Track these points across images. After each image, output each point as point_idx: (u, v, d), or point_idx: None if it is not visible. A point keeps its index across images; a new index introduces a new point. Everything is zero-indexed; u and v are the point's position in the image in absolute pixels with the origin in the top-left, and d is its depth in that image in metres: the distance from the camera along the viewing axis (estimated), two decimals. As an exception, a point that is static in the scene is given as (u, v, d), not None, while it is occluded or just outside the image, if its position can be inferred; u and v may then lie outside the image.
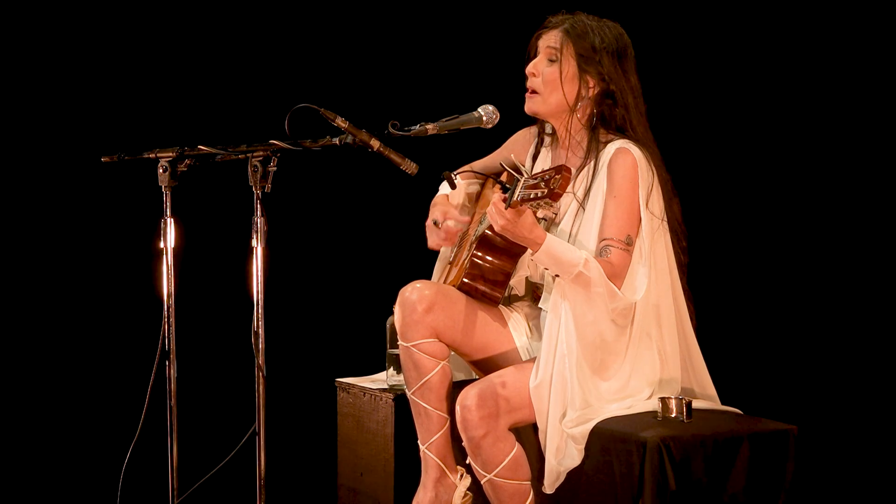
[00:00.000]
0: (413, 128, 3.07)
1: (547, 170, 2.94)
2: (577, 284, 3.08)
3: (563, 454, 3.10)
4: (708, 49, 4.33)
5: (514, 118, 3.42)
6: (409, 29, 4.75)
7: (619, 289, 3.11)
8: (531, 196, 2.91)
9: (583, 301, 3.10)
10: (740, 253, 4.34)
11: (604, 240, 3.15)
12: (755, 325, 4.32)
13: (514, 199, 2.94)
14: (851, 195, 4.20)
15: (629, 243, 3.15)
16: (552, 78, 3.26)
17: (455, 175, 3.28)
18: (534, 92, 3.28)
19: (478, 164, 3.60)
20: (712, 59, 4.33)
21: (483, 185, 3.62)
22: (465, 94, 3.53)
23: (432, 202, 3.56)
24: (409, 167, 2.97)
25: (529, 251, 3.12)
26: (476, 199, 3.62)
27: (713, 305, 3.61)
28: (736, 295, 4.33)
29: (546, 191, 2.88)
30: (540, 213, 3.03)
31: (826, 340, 4.22)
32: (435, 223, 3.48)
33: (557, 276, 3.10)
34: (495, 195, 3.06)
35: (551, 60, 3.26)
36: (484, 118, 3.20)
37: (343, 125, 2.93)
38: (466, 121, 3.19)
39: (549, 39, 3.27)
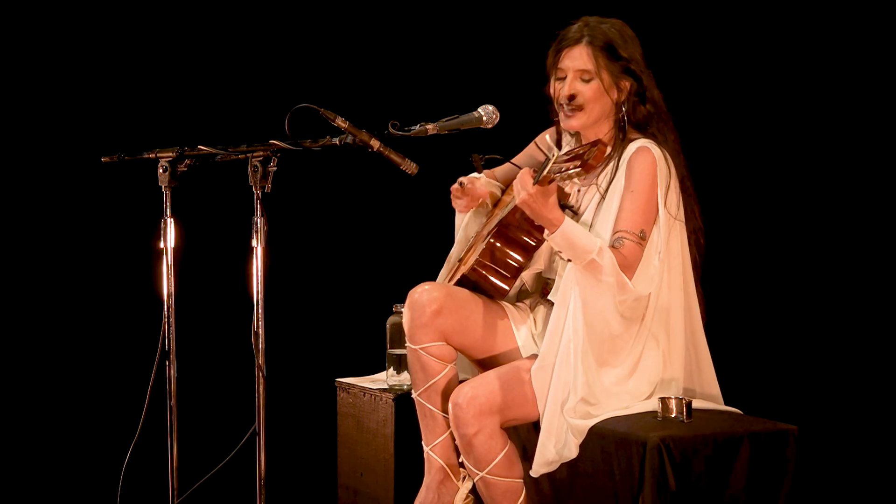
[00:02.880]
0: (413, 128, 3.07)
1: (582, 145, 2.97)
2: (589, 271, 3.08)
3: (562, 443, 3.10)
4: (721, 49, 4.33)
5: (515, 118, 3.41)
6: (409, 29, 4.75)
7: (632, 280, 3.12)
8: (563, 170, 2.94)
9: (592, 288, 3.10)
10: (740, 253, 4.34)
11: (617, 231, 3.15)
12: (756, 325, 4.32)
13: (544, 174, 2.96)
14: (851, 197, 4.20)
15: (643, 237, 3.15)
16: (593, 95, 3.24)
17: (482, 159, 3.28)
18: (578, 109, 3.25)
19: (500, 170, 3.60)
20: (725, 59, 4.33)
21: (504, 191, 3.62)
22: (465, 94, 3.53)
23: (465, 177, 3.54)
24: (409, 167, 2.97)
25: (546, 234, 3.11)
26: (496, 204, 3.60)
27: (713, 305, 3.61)
28: (736, 295, 4.32)
29: (580, 162, 2.93)
30: (568, 188, 3.06)
31: (826, 340, 4.22)
32: (461, 184, 3.46)
33: (570, 260, 3.10)
34: (524, 169, 3.07)
35: (585, 80, 3.25)
36: (484, 118, 3.20)
37: (343, 125, 2.93)
38: (466, 121, 3.19)
39: (577, 60, 3.24)
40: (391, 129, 3.00)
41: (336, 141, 2.97)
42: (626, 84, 3.25)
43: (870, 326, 4.17)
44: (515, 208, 3.22)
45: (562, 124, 3.33)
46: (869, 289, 4.18)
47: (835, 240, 4.22)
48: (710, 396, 3.30)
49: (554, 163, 2.96)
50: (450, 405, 3.18)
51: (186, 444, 3.18)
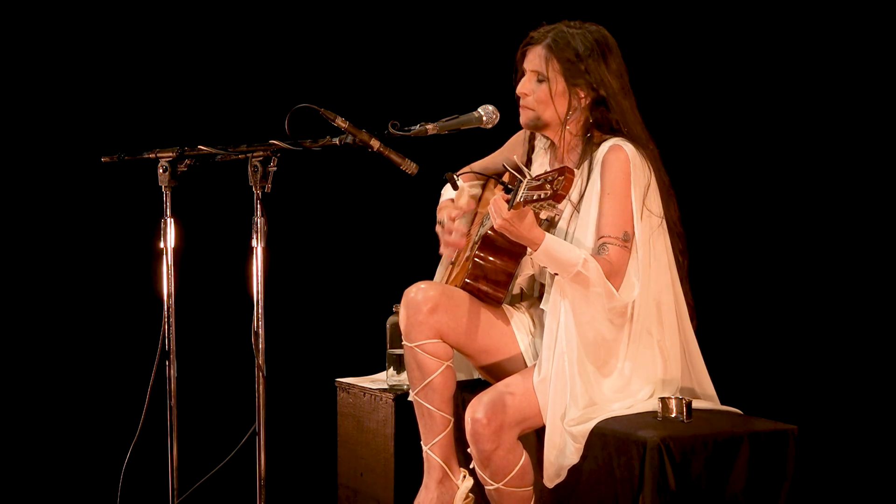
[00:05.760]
0: (413, 128, 3.07)
1: (550, 171, 2.94)
2: (576, 284, 3.09)
3: (563, 452, 3.10)
4: (704, 47, 4.33)
5: (515, 118, 3.42)
6: (408, 29, 4.75)
7: (620, 286, 3.12)
8: (534, 197, 2.91)
9: (581, 300, 3.10)
10: (740, 253, 4.34)
11: (601, 237, 3.15)
12: (755, 324, 4.32)
13: (517, 199, 2.95)
14: (850, 195, 4.20)
15: (626, 240, 3.15)
16: (543, 97, 3.25)
17: (457, 176, 3.28)
18: (528, 108, 3.27)
19: (478, 165, 3.60)
20: (709, 58, 4.33)
21: (484, 187, 3.62)
22: (465, 94, 3.53)
23: (438, 207, 3.57)
24: (409, 167, 2.97)
25: (529, 253, 3.12)
26: (478, 202, 3.62)
27: (713, 305, 3.61)
28: (736, 295, 4.32)
29: (550, 192, 2.89)
30: (543, 215, 3.04)
31: (826, 340, 4.22)
32: (441, 224, 3.50)
33: (557, 274, 3.10)
34: (497, 194, 3.07)
35: (539, 81, 3.26)
36: (484, 118, 3.20)
37: (343, 125, 2.93)
38: (466, 121, 3.19)
39: (533, 60, 3.26)
40: (391, 129, 2.99)
41: (336, 141, 2.98)
42: (583, 92, 3.24)
43: (869, 326, 4.17)
44: None
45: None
46: (868, 289, 4.18)
47: (834, 240, 4.21)
48: (706, 394, 3.30)
49: (527, 189, 2.94)
50: (466, 419, 3.17)
51: (186, 444, 3.18)
